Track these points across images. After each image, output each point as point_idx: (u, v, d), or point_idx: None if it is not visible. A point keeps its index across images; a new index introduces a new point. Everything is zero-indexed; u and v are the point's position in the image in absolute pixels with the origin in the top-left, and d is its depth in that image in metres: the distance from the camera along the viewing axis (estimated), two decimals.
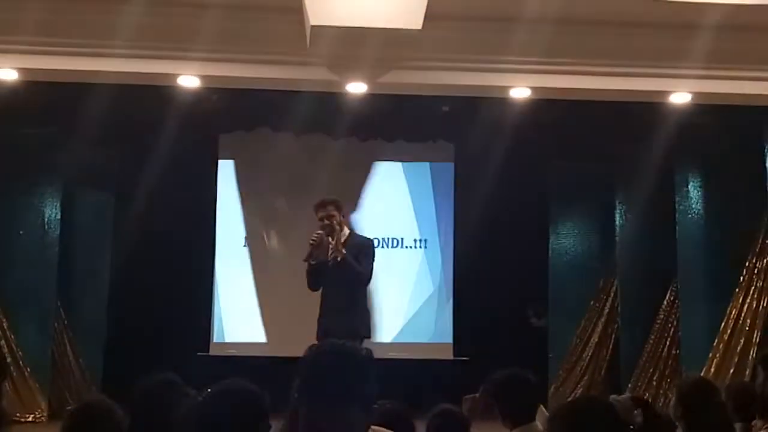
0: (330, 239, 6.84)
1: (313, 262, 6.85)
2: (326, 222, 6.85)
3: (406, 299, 10.77)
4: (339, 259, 6.79)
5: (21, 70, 6.81)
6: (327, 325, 6.81)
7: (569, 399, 2.59)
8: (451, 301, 10.75)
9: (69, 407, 8.91)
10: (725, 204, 9.09)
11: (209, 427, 2.30)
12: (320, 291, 6.96)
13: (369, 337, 6.99)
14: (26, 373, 8.86)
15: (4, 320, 8.97)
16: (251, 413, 2.34)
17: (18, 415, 8.63)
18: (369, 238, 7.28)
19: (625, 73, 6.87)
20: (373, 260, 7.01)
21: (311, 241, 6.84)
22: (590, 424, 2.19)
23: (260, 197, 10.78)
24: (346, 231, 7.00)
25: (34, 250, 9.37)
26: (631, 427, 2.15)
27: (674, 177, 9.46)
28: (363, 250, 6.96)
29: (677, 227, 9.35)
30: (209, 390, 2.39)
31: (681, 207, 9.38)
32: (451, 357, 10.35)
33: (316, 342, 6.74)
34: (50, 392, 9.24)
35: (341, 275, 6.81)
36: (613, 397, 2.21)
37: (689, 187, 9.40)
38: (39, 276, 9.29)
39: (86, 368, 9.71)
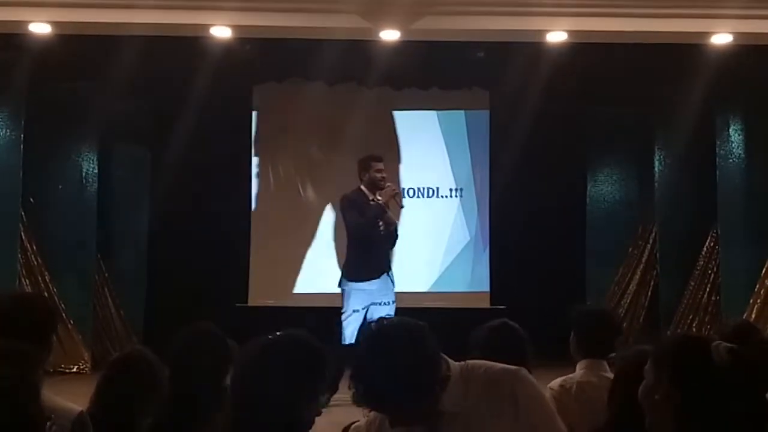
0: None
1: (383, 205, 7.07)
2: (385, 175, 7.18)
3: (442, 249, 10.74)
4: (391, 228, 7.19)
5: (54, 23, 6.84)
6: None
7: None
8: (487, 249, 10.71)
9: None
10: (766, 148, 8.92)
11: (266, 376, 2.14)
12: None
13: None
14: (69, 325, 9.01)
15: (47, 273, 9.10)
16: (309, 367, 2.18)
17: (62, 366, 8.81)
18: None
19: (664, 14, 6.73)
20: None
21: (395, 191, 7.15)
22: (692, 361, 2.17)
23: (294, 148, 10.77)
24: None
25: (73, 204, 9.47)
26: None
27: (715, 121, 9.28)
28: None
29: (717, 172, 9.20)
30: (270, 337, 2.27)
31: (721, 151, 9.22)
32: (488, 306, 10.33)
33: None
34: (93, 344, 9.41)
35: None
36: (716, 343, 2.16)
37: (730, 131, 9.23)
38: (79, 230, 9.41)
39: (127, 320, 9.86)
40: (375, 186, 7.06)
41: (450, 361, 2.22)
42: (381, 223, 7.08)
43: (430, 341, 2.15)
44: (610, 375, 3.64)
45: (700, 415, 2.10)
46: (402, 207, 7.29)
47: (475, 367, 2.22)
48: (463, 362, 2.24)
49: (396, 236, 7.36)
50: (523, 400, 2.17)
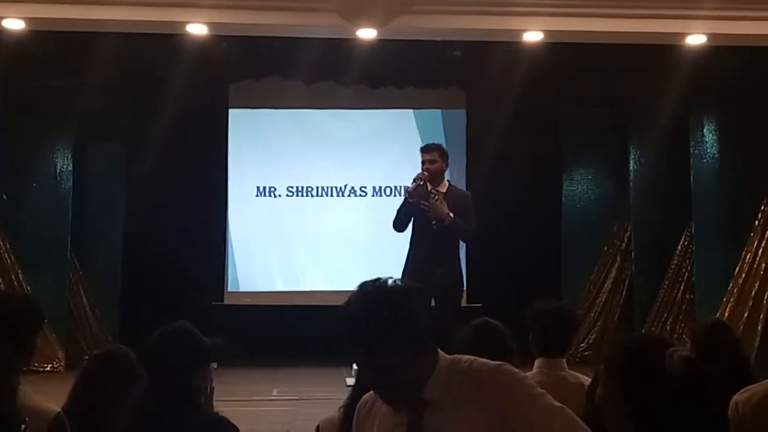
0: (429, 186, 6.77)
1: (411, 200, 6.72)
2: (428, 167, 6.78)
3: None
4: (445, 223, 6.64)
5: (28, 19, 6.76)
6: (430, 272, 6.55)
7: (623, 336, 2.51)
8: (463, 248, 10.69)
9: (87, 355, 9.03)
10: (740, 148, 9.00)
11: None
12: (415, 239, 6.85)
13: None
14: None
15: (20, 272, 9.03)
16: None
17: (36, 365, 8.73)
18: (467, 192, 7.27)
19: (639, 15, 6.77)
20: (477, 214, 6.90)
21: (419, 180, 6.74)
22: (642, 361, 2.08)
23: (271, 146, 10.74)
24: (446, 183, 6.98)
25: (47, 201, 9.39)
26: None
27: (689, 121, 9.35)
28: (467, 206, 6.88)
29: (692, 171, 9.27)
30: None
31: (696, 151, 9.29)
32: (465, 304, 10.32)
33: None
34: (67, 343, 9.33)
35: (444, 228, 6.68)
36: (671, 350, 2.07)
37: (704, 131, 9.30)
38: (53, 227, 9.33)
39: (102, 318, 9.78)
40: None
41: (440, 351, 2.23)
42: (433, 220, 6.64)
43: (416, 301, 2.19)
44: (567, 373, 3.64)
45: (654, 427, 1.99)
46: (432, 193, 6.68)
47: (461, 361, 2.24)
48: (451, 355, 2.26)
49: (457, 228, 6.71)
50: (509, 393, 2.16)
